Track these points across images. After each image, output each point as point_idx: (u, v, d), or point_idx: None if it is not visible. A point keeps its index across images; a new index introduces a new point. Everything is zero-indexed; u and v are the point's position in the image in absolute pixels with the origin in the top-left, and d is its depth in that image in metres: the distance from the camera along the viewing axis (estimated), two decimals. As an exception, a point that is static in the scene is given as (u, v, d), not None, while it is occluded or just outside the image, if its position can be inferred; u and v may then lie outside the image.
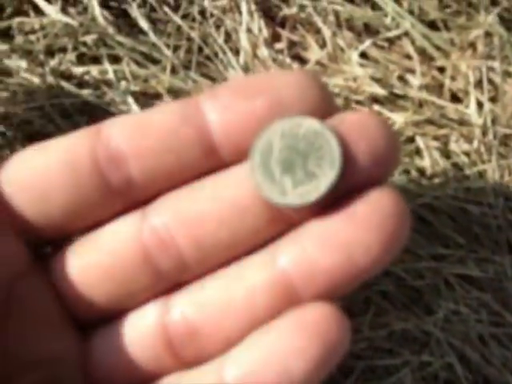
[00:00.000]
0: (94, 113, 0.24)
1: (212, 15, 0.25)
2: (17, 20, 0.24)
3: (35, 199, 0.18)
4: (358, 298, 0.24)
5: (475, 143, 0.25)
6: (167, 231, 0.18)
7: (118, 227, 0.19)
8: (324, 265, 0.17)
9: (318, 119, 0.18)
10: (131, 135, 0.18)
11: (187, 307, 0.18)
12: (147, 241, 0.18)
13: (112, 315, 0.19)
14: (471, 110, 0.25)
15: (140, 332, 0.19)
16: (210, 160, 0.19)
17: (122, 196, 0.19)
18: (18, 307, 0.18)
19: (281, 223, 0.18)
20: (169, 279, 0.19)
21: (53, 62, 0.24)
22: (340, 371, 0.23)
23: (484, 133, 0.25)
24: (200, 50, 0.25)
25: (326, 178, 0.18)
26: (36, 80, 0.24)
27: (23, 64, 0.24)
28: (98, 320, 0.19)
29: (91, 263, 0.19)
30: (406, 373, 0.23)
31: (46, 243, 0.20)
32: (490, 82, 0.25)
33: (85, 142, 0.19)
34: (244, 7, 0.25)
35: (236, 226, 0.18)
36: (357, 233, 0.17)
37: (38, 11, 0.24)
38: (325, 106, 0.19)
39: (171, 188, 0.19)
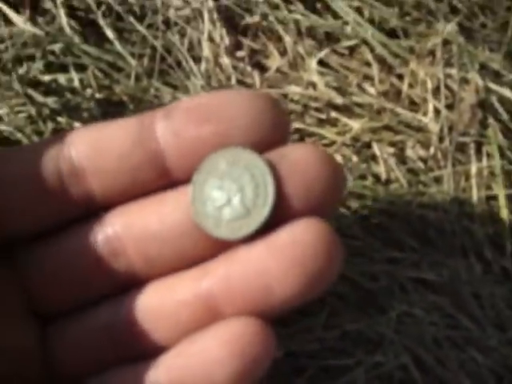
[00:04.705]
0: (59, 120, 0.25)
1: (176, 24, 0.26)
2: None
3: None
4: (313, 299, 0.24)
5: (432, 149, 0.25)
6: (119, 241, 0.20)
7: (79, 232, 0.20)
8: (242, 290, 0.18)
9: (258, 154, 0.19)
10: (91, 154, 0.20)
11: (130, 310, 0.20)
12: (102, 248, 0.20)
13: (70, 309, 0.21)
14: (428, 117, 0.25)
15: (92, 327, 0.20)
16: (164, 179, 0.20)
17: (82, 205, 0.20)
18: None
19: (218, 247, 0.19)
20: (118, 284, 0.20)
21: (21, 70, 0.25)
22: (293, 370, 0.24)
23: (441, 139, 0.25)
24: (163, 58, 0.26)
25: (257, 217, 0.19)
26: (3, 88, 0.25)
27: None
28: (57, 313, 0.21)
29: (56, 263, 0.20)
30: (360, 372, 0.24)
31: (12, 239, 0.21)
32: (448, 88, 0.26)
33: (51, 154, 0.20)
34: (206, 16, 0.25)
35: (177, 246, 0.20)
36: (274, 263, 0.18)
37: (8, 21, 0.25)
38: (276, 136, 0.19)
39: (127, 201, 0.20)
